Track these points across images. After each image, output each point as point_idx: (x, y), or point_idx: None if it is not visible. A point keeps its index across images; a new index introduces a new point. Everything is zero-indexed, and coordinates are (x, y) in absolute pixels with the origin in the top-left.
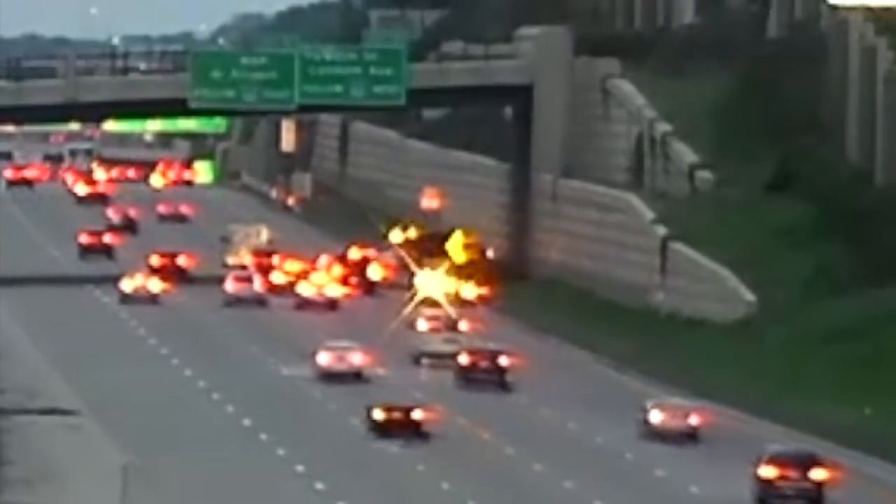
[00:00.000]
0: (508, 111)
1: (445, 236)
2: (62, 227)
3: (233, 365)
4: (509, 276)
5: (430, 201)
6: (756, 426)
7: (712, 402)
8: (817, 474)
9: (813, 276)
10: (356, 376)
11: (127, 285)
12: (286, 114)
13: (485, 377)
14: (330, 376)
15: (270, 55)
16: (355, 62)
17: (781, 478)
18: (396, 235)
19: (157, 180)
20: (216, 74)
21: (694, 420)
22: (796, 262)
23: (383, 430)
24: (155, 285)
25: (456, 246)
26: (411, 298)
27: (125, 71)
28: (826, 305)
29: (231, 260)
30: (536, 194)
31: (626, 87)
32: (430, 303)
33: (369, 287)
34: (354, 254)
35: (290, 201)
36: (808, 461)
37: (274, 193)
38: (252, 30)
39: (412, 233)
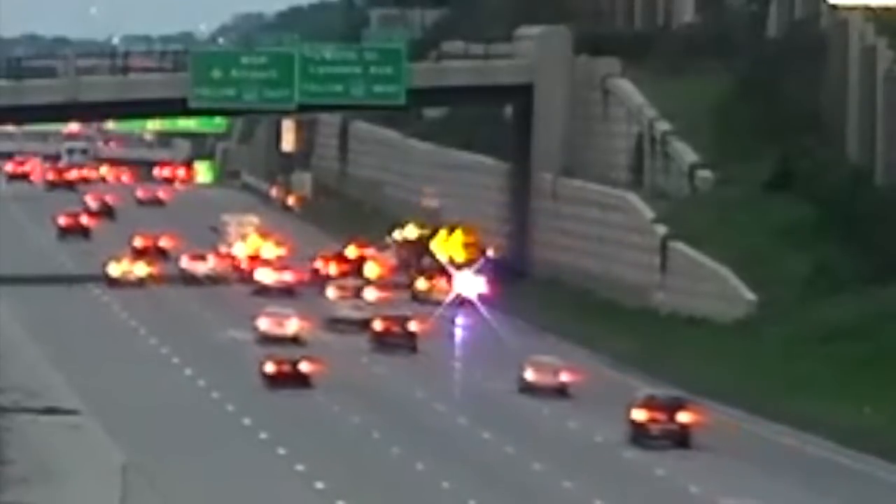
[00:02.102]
0: (508, 111)
1: (432, 234)
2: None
3: (234, 364)
4: (509, 275)
5: (430, 201)
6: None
7: (713, 401)
8: (683, 417)
9: (813, 275)
10: (293, 341)
11: (113, 269)
12: (286, 113)
13: (396, 341)
14: (268, 339)
15: (270, 54)
16: (355, 61)
17: (651, 420)
18: (397, 234)
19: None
20: (216, 74)
21: (564, 377)
22: (796, 261)
23: (274, 381)
24: (141, 269)
25: (449, 243)
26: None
27: (125, 71)
28: (826, 305)
29: (224, 249)
30: (536, 193)
31: (626, 87)
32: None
33: (365, 284)
34: (352, 252)
35: (290, 201)
36: (676, 405)
37: (274, 193)
38: (252, 29)
39: (411, 232)
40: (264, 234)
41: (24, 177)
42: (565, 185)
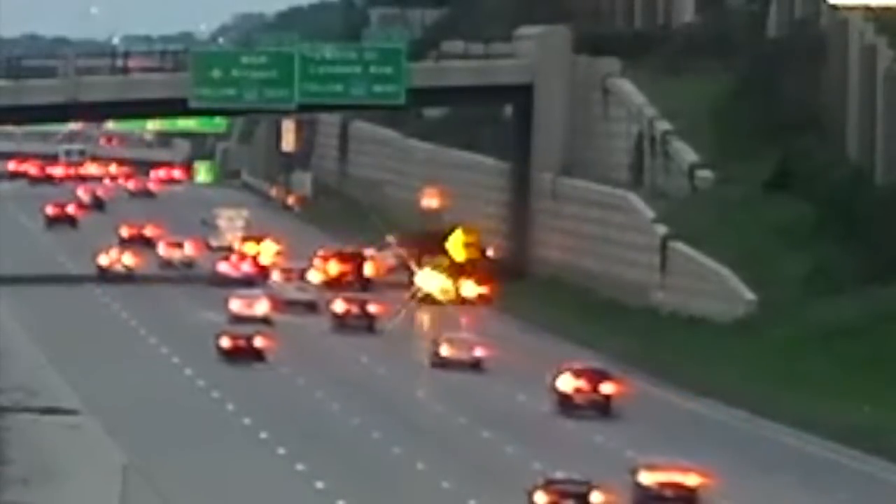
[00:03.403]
0: (508, 110)
1: (445, 235)
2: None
3: (234, 363)
4: (509, 275)
5: (430, 200)
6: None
7: (713, 401)
8: (606, 388)
9: (813, 274)
10: (263, 321)
11: (103, 259)
12: (286, 113)
13: (356, 323)
14: (239, 320)
15: (270, 54)
16: (355, 61)
17: (576, 391)
18: (396, 234)
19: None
20: (216, 74)
21: (478, 352)
22: (796, 260)
23: (229, 356)
24: (129, 259)
25: (456, 244)
26: (412, 296)
27: (125, 71)
28: (826, 304)
29: (215, 242)
30: (536, 193)
31: (626, 86)
32: (430, 300)
33: (364, 284)
34: (351, 251)
35: (290, 201)
36: (599, 376)
37: (274, 193)
38: (252, 29)
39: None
40: (259, 238)
41: (27, 176)
42: (565, 185)
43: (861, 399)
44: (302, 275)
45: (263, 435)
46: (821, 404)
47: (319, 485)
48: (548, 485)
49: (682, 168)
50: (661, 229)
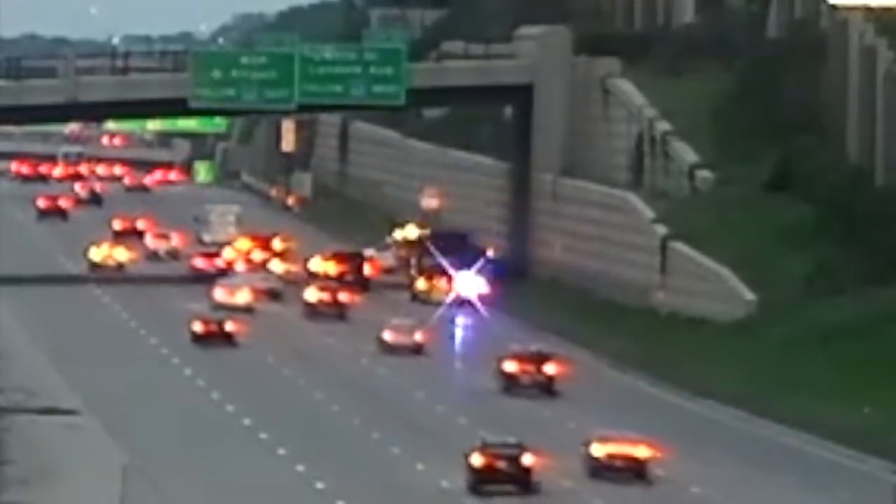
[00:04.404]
0: (508, 111)
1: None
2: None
3: (234, 363)
4: (509, 276)
5: (429, 201)
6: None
7: (713, 401)
8: (549, 369)
9: (813, 275)
10: (246, 311)
11: (95, 254)
12: (286, 113)
13: (327, 310)
14: (223, 308)
15: (270, 54)
16: (355, 61)
17: (522, 371)
18: (397, 235)
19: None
20: (216, 74)
21: (419, 336)
22: (796, 261)
23: (201, 339)
24: (121, 254)
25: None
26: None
27: (125, 71)
28: (826, 305)
29: (208, 237)
30: (536, 194)
31: (626, 87)
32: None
33: (363, 283)
34: (350, 251)
35: (290, 201)
36: (542, 358)
37: (274, 193)
38: (252, 29)
39: (411, 232)
40: (268, 237)
41: (19, 175)
42: (565, 186)
43: (861, 399)
44: (264, 265)
45: (263, 435)
46: (820, 405)
47: (319, 485)
48: (483, 448)
49: (681, 168)
50: (661, 230)
